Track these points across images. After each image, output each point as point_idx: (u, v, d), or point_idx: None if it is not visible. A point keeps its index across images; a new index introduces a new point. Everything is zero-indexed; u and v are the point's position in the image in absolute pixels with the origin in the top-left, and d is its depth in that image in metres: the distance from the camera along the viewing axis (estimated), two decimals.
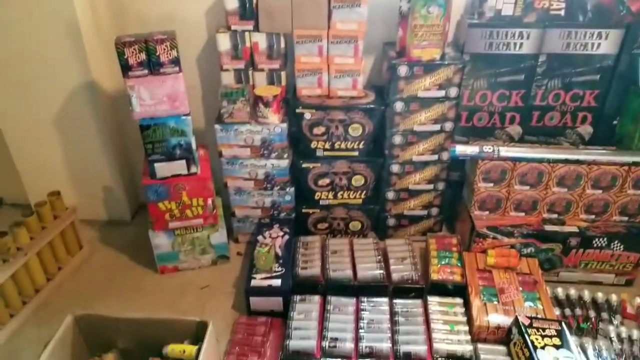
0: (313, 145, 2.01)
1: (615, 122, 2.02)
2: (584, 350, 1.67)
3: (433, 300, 1.78)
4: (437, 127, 1.97)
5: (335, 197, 2.12)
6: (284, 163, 2.04)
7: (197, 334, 1.51)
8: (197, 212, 1.96)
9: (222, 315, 1.85)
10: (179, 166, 1.87)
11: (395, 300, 1.77)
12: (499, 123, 2.07)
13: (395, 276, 1.85)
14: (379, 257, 1.92)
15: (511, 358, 1.58)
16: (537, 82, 1.97)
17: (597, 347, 1.69)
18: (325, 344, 1.56)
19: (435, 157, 2.03)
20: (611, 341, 1.71)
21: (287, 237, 2.02)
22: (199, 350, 1.42)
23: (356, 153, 2.04)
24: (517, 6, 1.84)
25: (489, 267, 1.89)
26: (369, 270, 1.85)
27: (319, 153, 2.03)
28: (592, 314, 1.82)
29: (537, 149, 1.93)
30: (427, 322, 1.69)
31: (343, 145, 2.02)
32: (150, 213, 1.93)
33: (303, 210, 2.16)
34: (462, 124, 2.08)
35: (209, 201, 1.95)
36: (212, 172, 1.95)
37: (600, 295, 1.89)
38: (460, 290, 1.82)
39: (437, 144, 2.01)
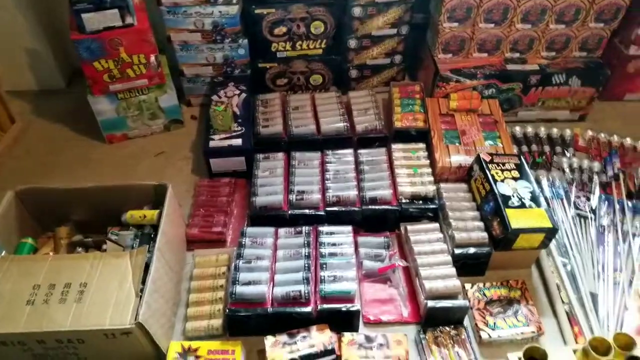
0: None
1: None
2: (539, 182, 1.87)
3: (397, 147, 1.88)
4: None
5: (293, 47, 2.08)
6: (234, 9, 1.94)
7: (156, 199, 1.56)
8: (140, 70, 1.88)
9: (182, 180, 1.90)
10: (111, 16, 1.74)
11: (360, 151, 1.87)
12: None
13: (359, 127, 1.92)
14: (342, 110, 1.97)
15: (472, 193, 1.75)
16: None
17: (550, 178, 1.89)
18: (292, 197, 1.67)
19: None
20: (563, 172, 1.91)
21: (244, 95, 2.01)
22: (160, 214, 1.48)
23: None
24: None
25: (452, 111, 1.99)
26: (333, 123, 1.91)
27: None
28: (547, 148, 2.00)
29: None
30: (392, 168, 1.81)
31: None
32: (86, 75, 1.84)
33: (259, 65, 2.12)
34: None
35: (152, 57, 1.87)
36: (153, 27, 1.85)
37: (555, 131, 2.06)
38: (423, 136, 1.92)
39: None
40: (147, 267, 1.37)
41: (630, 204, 1.80)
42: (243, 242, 1.55)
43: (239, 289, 1.41)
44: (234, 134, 1.85)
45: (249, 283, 1.43)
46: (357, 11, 2.01)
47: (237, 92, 2.02)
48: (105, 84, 1.88)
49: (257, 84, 2.13)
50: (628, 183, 1.87)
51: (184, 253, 1.65)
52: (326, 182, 1.73)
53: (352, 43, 2.10)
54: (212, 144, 1.81)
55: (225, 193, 1.78)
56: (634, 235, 1.71)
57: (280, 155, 1.83)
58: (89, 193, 1.57)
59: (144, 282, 1.33)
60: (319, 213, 1.65)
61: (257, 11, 1.96)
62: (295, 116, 1.94)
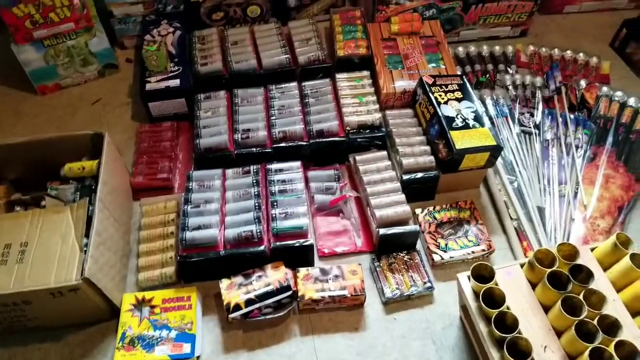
0: None
1: None
2: (483, 101, 1.78)
3: (341, 77, 1.73)
4: None
5: None
6: None
7: (94, 149, 1.39)
8: (64, 14, 1.64)
9: (122, 128, 1.71)
10: None
11: (304, 83, 1.71)
12: None
13: (301, 59, 1.75)
14: (283, 41, 1.78)
15: (417, 118, 1.64)
16: None
17: (494, 96, 1.79)
18: (238, 136, 1.52)
19: None
20: (507, 89, 1.82)
21: (178, 32, 1.79)
22: (99, 164, 1.32)
23: None
24: None
25: (393, 34, 1.83)
26: (274, 56, 1.73)
27: None
28: (490, 67, 1.89)
29: None
30: (337, 98, 1.67)
31: None
32: (6, 22, 1.59)
33: (192, 0, 1.88)
34: None
35: None
36: None
37: (497, 49, 1.95)
38: (367, 63, 1.77)
39: None
40: (90, 220, 1.24)
41: (572, 116, 1.73)
42: (190, 187, 1.41)
43: (189, 234, 1.30)
44: (171, 74, 1.65)
45: (199, 227, 1.31)
46: None
47: (171, 29, 1.79)
48: (28, 30, 1.63)
49: (192, 20, 1.90)
50: (570, 96, 1.80)
51: (130, 203, 1.50)
52: (271, 118, 1.58)
53: None
54: (148, 86, 1.62)
55: (168, 137, 1.61)
56: (577, 147, 1.66)
57: (222, 93, 1.66)
58: (22, 148, 1.39)
59: (88, 235, 1.20)
60: (266, 150, 1.52)
61: None
62: (234, 51, 1.75)
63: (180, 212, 1.40)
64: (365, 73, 1.74)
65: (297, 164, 1.50)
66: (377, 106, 1.64)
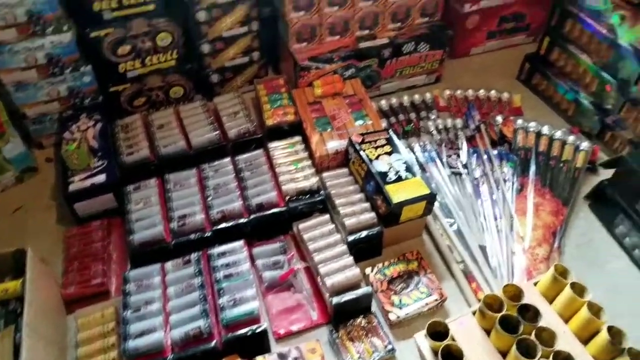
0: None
1: None
2: (412, 149, 1.80)
3: (273, 145, 1.71)
4: None
5: (143, 64, 1.80)
6: (67, 37, 1.63)
7: (17, 267, 1.26)
8: None
9: (48, 234, 1.58)
10: None
11: (237, 158, 1.66)
12: None
13: (231, 133, 1.71)
14: (211, 118, 1.75)
15: (353, 176, 1.63)
16: None
17: (421, 143, 1.83)
18: (174, 224, 1.44)
19: None
20: (432, 134, 1.86)
21: (99, 124, 1.71)
22: (24, 284, 1.19)
23: (152, 6, 1.69)
24: None
25: (318, 98, 1.84)
26: (203, 134, 1.68)
27: (107, 16, 1.65)
28: (413, 115, 1.94)
29: None
30: (272, 168, 1.63)
31: (133, 0, 1.66)
32: None
33: (111, 90, 1.82)
34: None
35: None
36: None
37: (416, 97, 2.00)
38: (297, 128, 1.76)
39: None
40: (18, 349, 1.10)
41: (495, 151, 1.79)
42: (127, 290, 1.30)
43: (132, 343, 1.18)
44: (96, 170, 1.55)
45: (142, 334, 1.20)
46: (202, 15, 1.77)
47: (91, 123, 1.71)
48: None
49: (113, 110, 1.82)
50: (490, 132, 1.86)
51: (63, 319, 1.35)
52: (208, 199, 1.52)
53: (205, 48, 1.86)
54: (72, 187, 1.51)
55: (98, 238, 1.49)
56: (504, 181, 1.70)
57: (153, 181, 1.57)
58: None
59: None
60: (205, 235, 1.44)
61: (93, 34, 1.66)
62: (161, 135, 1.69)
63: (119, 320, 1.27)
64: (297, 138, 1.73)
65: (240, 243, 1.43)
66: (312, 170, 1.62)
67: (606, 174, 1.69)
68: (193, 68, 1.90)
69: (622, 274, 1.53)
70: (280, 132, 1.75)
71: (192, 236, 1.43)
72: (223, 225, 1.46)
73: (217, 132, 1.69)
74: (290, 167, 1.63)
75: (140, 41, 1.73)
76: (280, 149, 1.70)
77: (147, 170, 1.60)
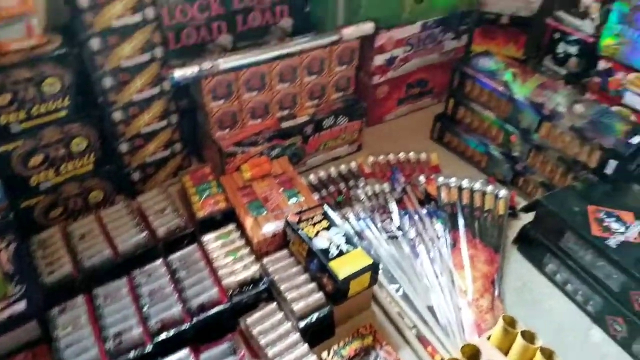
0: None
1: (307, 9, 2.05)
2: (348, 220, 1.82)
3: (207, 238, 1.65)
4: (146, 56, 1.66)
5: (58, 173, 1.69)
6: None
7: None
8: None
9: None
10: None
11: (170, 258, 1.58)
12: (209, 36, 1.90)
13: (161, 232, 1.63)
14: (137, 219, 1.66)
15: (294, 257, 1.60)
16: None
17: (355, 212, 1.86)
18: (109, 345, 1.31)
19: (157, 89, 1.75)
20: (363, 202, 1.90)
21: (13, 245, 1.55)
22: None
23: (64, 113, 1.62)
24: None
25: (248, 181, 1.84)
26: (131, 238, 1.59)
27: (15, 129, 1.56)
28: (342, 186, 1.98)
29: (252, 53, 1.83)
30: (210, 262, 1.57)
31: (43, 109, 1.58)
32: None
33: (22, 205, 1.68)
34: (172, 47, 1.84)
35: None
36: None
37: (343, 167, 2.06)
38: (230, 216, 1.72)
39: (153, 75, 1.72)
40: None
41: (424, 210, 1.85)
42: None
43: None
44: (13, 298, 1.40)
45: None
46: (118, 115, 1.73)
47: (4, 245, 1.54)
48: None
49: (27, 226, 1.68)
50: (415, 192, 1.94)
51: None
52: (143, 309, 1.41)
53: (124, 147, 1.81)
54: None
55: None
56: (438, 238, 1.75)
57: (80, 299, 1.44)
58: None
59: None
60: (146, 351, 1.32)
61: (0, 150, 1.55)
62: (83, 246, 1.57)
63: None
64: (231, 227, 1.68)
65: (185, 352, 1.32)
66: (252, 257, 1.57)
67: (527, 217, 1.80)
68: (112, 169, 1.82)
69: (561, 311, 1.61)
70: (213, 223, 1.69)
71: (132, 354, 1.31)
72: (164, 335, 1.35)
73: (145, 233, 1.61)
74: (228, 258, 1.58)
75: (54, 149, 1.64)
76: (214, 240, 1.64)
77: (72, 288, 1.46)
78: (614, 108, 2.00)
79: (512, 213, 1.90)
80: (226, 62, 1.78)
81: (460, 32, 2.35)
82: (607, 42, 1.98)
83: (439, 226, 1.79)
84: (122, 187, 1.88)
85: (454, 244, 1.75)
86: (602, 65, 2.03)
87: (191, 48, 1.89)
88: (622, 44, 1.94)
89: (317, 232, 1.56)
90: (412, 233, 1.78)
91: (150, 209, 1.72)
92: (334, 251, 1.49)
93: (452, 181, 1.94)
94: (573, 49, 2.15)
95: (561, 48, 2.19)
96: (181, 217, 1.68)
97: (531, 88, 1.93)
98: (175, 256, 1.58)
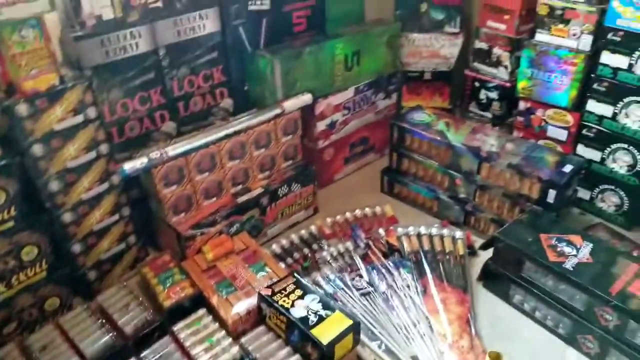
0: None
1: (246, 87, 2.22)
2: (318, 284, 1.88)
3: (178, 328, 1.63)
4: (92, 154, 1.71)
5: (9, 286, 1.65)
6: None
7: None
8: None
9: None
10: None
11: (142, 354, 1.54)
12: (152, 126, 1.98)
13: (128, 329, 1.61)
14: (100, 320, 1.63)
15: (273, 331, 1.62)
16: (168, 75, 1.95)
17: (324, 275, 1.92)
18: None
19: (106, 185, 1.79)
20: (330, 263, 1.97)
21: None
22: None
23: (11, 224, 1.61)
24: (116, 8, 1.72)
25: (211, 262, 1.87)
26: (96, 342, 1.55)
27: None
28: (306, 251, 2.05)
29: (198, 136, 1.93)
30: (186, 352, 1.55)
31: None
32: None
33: None
34: (116, 141, 1.91)
35: None
36: None
37: (304, 233, 2.13)
38: (198, 301, 1.73)
39: (101, 172, 1.76)
40: None
41: (390, 262, 1.95)
42: None
43: None
44: None
45: None
46: (67, 217, 1.73)
47: None
48: None
49: None
50: (378, 246, 2.05)
51: None
52: None
53: (77, 248, 1.79)
54: None
55: None
56: (408, 287, 1.85)
57: None
58: None
59: None
60: None
61: None
62: (47, 359, 1.51)
63: None
64: (202, 312, 1.68)
65: None
66: (229, 339, 1.58)
67: (486, 254, 1.95)
68: (66, 272, 1.79)
69: (535, 338, 1.72)
70: (181, 311, 1.69)
71: None
72: None
73: (112, 333, 1.58)
74: (204, 344, 1.57)
75: (2, 263, 1.61)
76: (186, 328, 1.63)
77: None
78: (541, 142, 2.28)
79: (471, 252, 2.04)
80: (175, 149, 1.86)
81: (390, 91, 2.61)
82: (522, 84, 2.29)
83: (407, 275, 1.89)
84: (79, 289, 1.84)
85: (425, 291, 1.84)
86: (522, 105, 2.33)
87: (136, 139, 1.96)
88: (536, 85, 2.25)
89: (293, 302, 1.60)
90: (383, 286, 1.86)
91: (112, 307, 1.69)
92: (313, 318, 1.53)
93: (411, 230, 2.07)
94: (493, 94, 2.46)
95: (483, 95, 2.50)
96: (147, 311, 1.67)
97: (464, 134, 2.17)
98: (147, 352, 1.55)
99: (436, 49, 2.59)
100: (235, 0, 2.03)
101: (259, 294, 1.64)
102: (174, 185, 1.90)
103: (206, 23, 1.98)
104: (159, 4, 1.83)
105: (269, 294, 1.63)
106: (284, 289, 1.65)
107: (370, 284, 1.88)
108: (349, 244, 2.06)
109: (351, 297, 1.82)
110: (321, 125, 2.35)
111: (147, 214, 2.04)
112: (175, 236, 1.93)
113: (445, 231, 2.06)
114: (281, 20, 2.24)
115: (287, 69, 2.14)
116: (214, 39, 2.03)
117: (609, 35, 1.96)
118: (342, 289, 1.85)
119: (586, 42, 2.07)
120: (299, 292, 1.64)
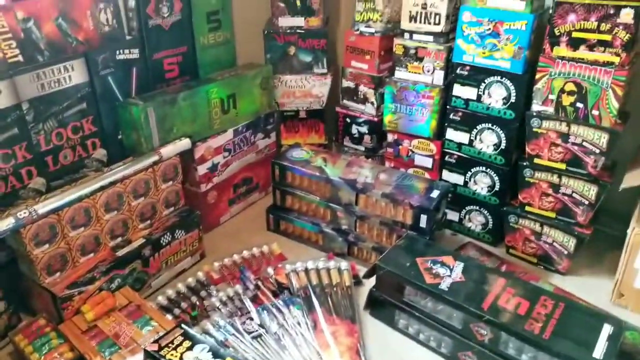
0: None
1: (120, 137, 2.29)
2: (208, 333, 1.98)
3: None
4: None
5: None
6: None
7: None
8: None
9: None
10: None
11: None
12: (19, 184, 1.98)
13: None
14: None
15: None
16: (33, 130, 1.97)
17: (213, 322, 2.02)
18: None
19: None
20: (219, 310, 2.09)
21: None
22: None
23: None
24: None
25: (92, 322, 1.89)
26: None
27: None
28: (194, 299, 2.14)
29: (70, 190, 1.96)
30: None
31: None
32: None
33: None
34: None
35: None
36: None
37: (190, 280, 2.22)
38: None
39: None
40: None
41: (280, 301, 2.12)
42: None
43: None
44: None
45: None
46: None
47: None
48: None
49: None
50: (268, 286, 2.21)
51: None
52: None
53: None
54: None
55: None
56: (299, 324, 2.02)
57: None
58: None
59: None
60: None
61: None
62: None
63: None
64: None
65: None
66: None
67: (370, 282, 2.18)
68: None
69: None
70: None
71: None
72: None
73: None
74: None
75: None
76: None
77: None
78: (410, 170, 2.63)
79: (357, 281, 2.28)
80: (45, 206, 1.87)
81: (268, 131, 2.86)
82: (388, 118, 2.63)
83: (297, 312, 2.06)
84: None
85: (315, 326, 2.02)
86: (390, 137, 2.68)
87: (2, 199, 1.94)
88: (400, 118, 2.60)
89: (182, 355, 1.68)
90: (274, 327, 2.00)
91: None
92: None
93: (299, 266, 2.27)
94: (364, 129, 2.80)
95: (354, 129, 2.84)
96: None
97: (341, 168, 2.44)
98: None
99: (307, 88, 2.90)
100: (102, 50, 2.13)
101: (145, 350, 1.70)
102: (46, 245, 1.91)
103: (72, 75, 2.04)
104: (20, 57, 1.87)
105: (156, 349, 1.70)
106: (172, 342, 1.72)
107: (262, 325, 2.02)
108: (238, 287, 2.19)
109: (242, 342, 1.95)
110: (202, 169, 2.49)
111: (17, 278, 2.01)
112: (50, 298, 1.93)
113: (331, 263, 2.28)
114: (152, 67, 2.38)
115: (162, 115, 2.26)
116: (82, 89, 2.10)
117: (458, 70, 2.35)
118: (233, 334, 1.97)
119: (439, 77, 2.46)
120: (187, 344, 1.72)
